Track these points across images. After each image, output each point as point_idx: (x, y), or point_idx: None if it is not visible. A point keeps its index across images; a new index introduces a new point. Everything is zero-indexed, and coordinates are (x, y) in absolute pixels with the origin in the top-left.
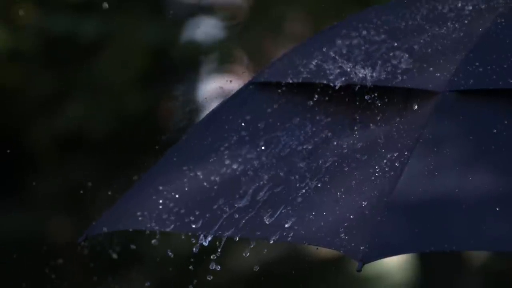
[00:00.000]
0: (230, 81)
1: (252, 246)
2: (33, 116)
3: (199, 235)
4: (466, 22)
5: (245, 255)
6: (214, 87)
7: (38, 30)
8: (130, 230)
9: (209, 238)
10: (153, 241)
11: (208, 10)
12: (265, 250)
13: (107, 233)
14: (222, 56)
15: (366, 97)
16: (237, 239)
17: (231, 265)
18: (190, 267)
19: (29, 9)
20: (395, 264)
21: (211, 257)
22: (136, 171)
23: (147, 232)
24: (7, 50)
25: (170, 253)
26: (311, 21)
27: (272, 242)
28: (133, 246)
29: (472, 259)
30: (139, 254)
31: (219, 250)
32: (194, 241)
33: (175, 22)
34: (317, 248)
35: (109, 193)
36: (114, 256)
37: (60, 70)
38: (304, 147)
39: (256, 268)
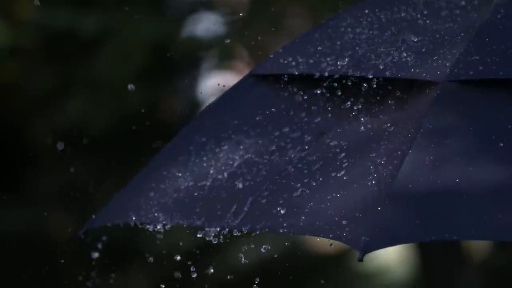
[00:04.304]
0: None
1: (252, 242)
2: (33, 112)
3: (199, 228)
4: (464, 14)
5: (249, 240)
6: (215, 83)
7: (38, 25)
8: (131, 223)
9: (211, 235)
10: (158, 227)
11: (208, 6)
12: (263, 251)
13: (107, 226)
14: (222, 52)
15: (365, 88)
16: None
17: (230, 261)
18: (190, 264)
19: (29, 4)
20: (395, 260)
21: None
22: (136, 167)
23: (146, 228)
24: (7, 45)
25: (169, 249)
26: (312, 16)
27: (277, 234)
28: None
29: (473, 255)
30: (139, 250)
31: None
32: (196, 237)
33: (175, 17)
34: (319, 240)
35: (109, 189)
36: (96, 255)
37: (61, 66)
38: (304, 138)
39: (267, 249)
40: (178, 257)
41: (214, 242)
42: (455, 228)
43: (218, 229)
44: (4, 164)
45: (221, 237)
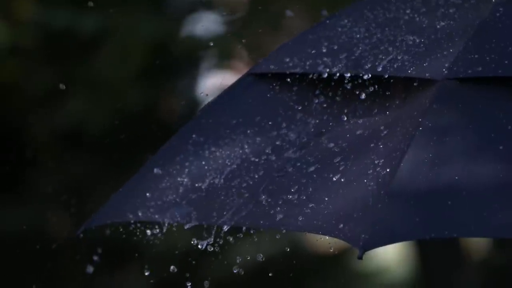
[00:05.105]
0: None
1: (250, 242)
2: (33, 112)
3: (194, 235)
4: (462, 12)
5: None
6: (214, 82)
7: (38, 25)
8: (130, 223)
9: (205, 244)
10: (157, 231)
11: (208, 5)
12: (260, 255)
13: (106, 225)
14: (222, 52)
15: (364, 88)
16: (232, 240)
17: (230, 260)
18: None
19: (29, 4)
20: (394, 260)
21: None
22: (135, 167)
23: (145, 231)
24: (7, 45)
25: (169, 249)
26: (311, 16)
27: (275, 232)
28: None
29: (472, 254)
30: (138, 250)
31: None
32: (195, 237)
33: (175, 17)
34: (321, 238)
35: (109, 188)
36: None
37: (60, 66)
38: (302, 137)
39: (261, 257)
40: (177, 257)
41: (209, 250)
42: (454, 226)
43: (213, 238)
44: (4, 164)
45: (216, 245)
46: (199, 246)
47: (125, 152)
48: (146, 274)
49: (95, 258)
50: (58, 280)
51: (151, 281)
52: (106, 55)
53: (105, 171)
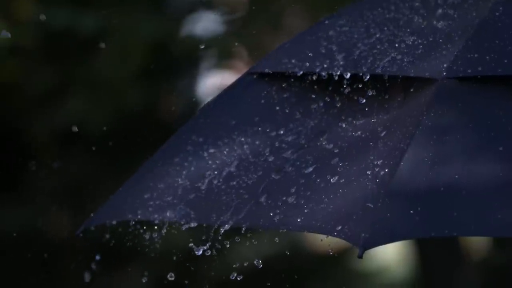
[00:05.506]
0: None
1: (250, 242)
2: (33, 112)
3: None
4: (462, 12)
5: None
6: (214, 82)
7: (38, 25)
8: (129, 224)
9: (200, 250)
10: (155, 235)
11: (208, 5)
12: (258, 260)
13: (105, 229)
14: (222, 51)
15: (363, 88)
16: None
17: (230, 260)
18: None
19: (29, 4)
20: (394, 259)
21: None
22: (134, 167)
23: (144, 233)
24: (7, 45)
25: (168, 248)
26: (311, 16)
27: (279, 231)
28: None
29: (472, 253)
30: (136, 250)
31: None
32: (195, 238)
33: (175, 17)
34: (322, 240)
35: (108, 188)
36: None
37: (60, 65)
38: (302, 137)
39: (259, 263)
40: (176, 259)
41: (207, 254)
42: (454, 225)
43: (210, 242)
44: (4, 164)
45: (214, 249)
46: (196, 253)
47: (125, 152)
48: (144, 281)
49: (95, 260)
50: (58, 280)
51: (149, 283)
52: (106, 55)
53: (104, 171)
